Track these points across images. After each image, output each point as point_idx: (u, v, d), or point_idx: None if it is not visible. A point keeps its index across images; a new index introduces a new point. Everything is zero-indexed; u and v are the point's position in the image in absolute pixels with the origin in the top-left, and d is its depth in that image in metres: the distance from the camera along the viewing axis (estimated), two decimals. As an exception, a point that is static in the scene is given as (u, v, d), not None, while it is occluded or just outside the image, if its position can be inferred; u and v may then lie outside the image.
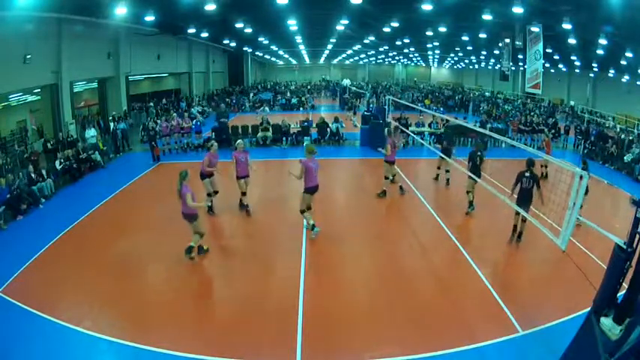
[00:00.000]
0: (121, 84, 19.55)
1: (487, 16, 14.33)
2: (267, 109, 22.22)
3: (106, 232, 8.12)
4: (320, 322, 5.27)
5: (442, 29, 18.86)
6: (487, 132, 10.00)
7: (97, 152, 13.24)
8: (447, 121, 15.96)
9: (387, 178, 10.26)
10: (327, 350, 4.78)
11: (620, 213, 9.78)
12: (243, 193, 8.84)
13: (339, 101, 31.84)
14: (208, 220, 8.85)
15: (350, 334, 5.07)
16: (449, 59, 46.14)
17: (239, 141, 8.86)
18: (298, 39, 30.38)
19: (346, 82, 39.90)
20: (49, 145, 12.95)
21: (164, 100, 24.85)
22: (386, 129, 12.41)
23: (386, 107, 15.59)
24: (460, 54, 37.51)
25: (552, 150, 14.15)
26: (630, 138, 16.52)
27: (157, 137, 14.62)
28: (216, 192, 8.80)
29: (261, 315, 5.42)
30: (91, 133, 14.16)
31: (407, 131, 15.37)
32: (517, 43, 17.23)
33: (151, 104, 22.44)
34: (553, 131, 17.28)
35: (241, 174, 8.59)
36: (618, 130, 20.20)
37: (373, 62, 55.62)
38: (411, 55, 45.65)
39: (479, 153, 8.97)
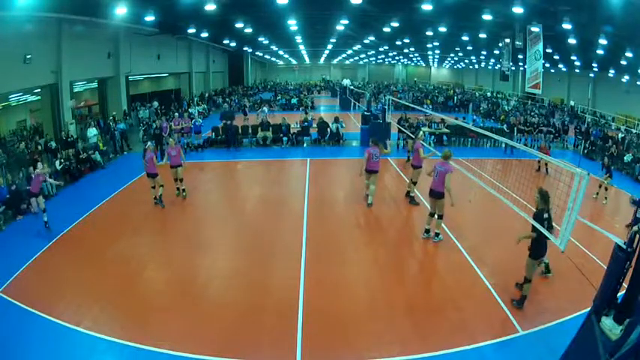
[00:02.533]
0: (121, 84, 19.54)
1: (487, 16, 14.34)
2: (265, 109, 22.03)
3: (106, 232, 8.11)
4: (320, 322, 5.27)
5: (442, 29, 18.87)
6: (487, 132, 10.00)
7: (97, 152, 13.25)
8: (443, 120, 16.00)
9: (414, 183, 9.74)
10: (327, 350, 4.78)
11: (620, 213, 9.78)
12: (176, 180, 10.06)
13: (339, 101, 31.83)
14: (208, 222, 8.85)
15: (350, 334, 5.07)
16: (449, 59, 46.13)
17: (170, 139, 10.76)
18: (298, 39, 30.38)
19: (346, 82, 39.93)
20: (52, 144, 12.98)
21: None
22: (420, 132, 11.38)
23: (386, 107, 15.60)
24: (460, 54, 37.50)
25: (552, 150, 14.19)
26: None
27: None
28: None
29: (261, 315, 5.41)
30: (92, 132, 14.17)
31: (406, 131, 15.37)
32: (517, 43, 17.23)
33: (154, 104, 22.42)
34: (553, 131, 17.32)
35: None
36: (623, 130, 20.23)
37: (373, 62, 55.60)
38: (411, 55, 45.63)
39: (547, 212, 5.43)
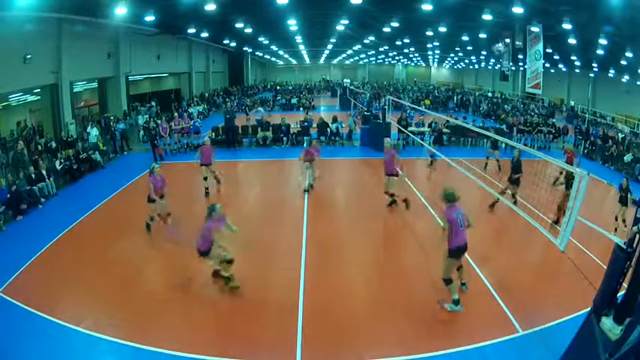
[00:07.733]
0: (121, 84, 19.51)
1: (487, 16, 14.34)
2: (261, 109, 21.36)
3: (106, 232, 8.11)
4: (320, 322, 5.27)
5: (442, 29, 18.87)
6: (487, 132, 10.00)
7: (97, 152, 13.25)
8: (448, 121, 16.00)
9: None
10: (327, 350, 4.78)
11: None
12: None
13: (339, 101, 31.82)
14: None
15: (350, 334, 5.07)
16: (449, 59, 46.11)
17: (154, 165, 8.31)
18: (298, 39, 30.39)
19: (346, 82, 39.98)
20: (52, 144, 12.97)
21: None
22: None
23: (386, 107, 15.61)
24: (460, 54, 37.49)
25: (551, 150, 14.14)
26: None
27: (157, 137, 14.64)
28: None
29: (261, 315, 5.42)
30: (93, 132, 14.17)
31: (406, 132, 15.39)
32: (517, 43, 17.24)
33: (153, 104, 22.39)
34: (553, 131, 17.32)
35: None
36: (626, 132, 20.24)
37: (373, 62, 55.59)
38: (411, 55, 45.61)
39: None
